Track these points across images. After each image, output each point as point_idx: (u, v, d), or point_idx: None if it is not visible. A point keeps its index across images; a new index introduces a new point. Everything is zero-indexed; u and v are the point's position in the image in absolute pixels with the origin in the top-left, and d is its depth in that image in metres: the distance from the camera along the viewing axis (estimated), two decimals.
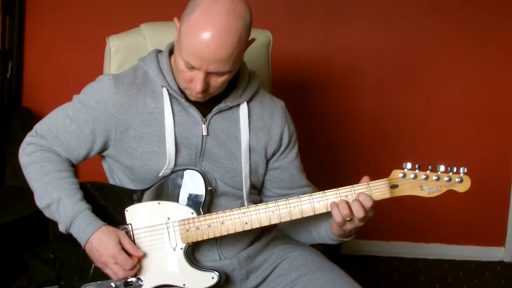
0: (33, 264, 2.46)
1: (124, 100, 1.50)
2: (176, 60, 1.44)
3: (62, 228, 1.46)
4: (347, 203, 1.39)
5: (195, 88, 1.42)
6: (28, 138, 1.55)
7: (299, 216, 1.44)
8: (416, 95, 2.84)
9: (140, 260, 1.46)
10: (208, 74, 1.40)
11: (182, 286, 1.47)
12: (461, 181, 1.40)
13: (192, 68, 1.39)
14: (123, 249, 1.44)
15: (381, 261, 2.95)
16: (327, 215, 1.46)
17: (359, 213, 1.38)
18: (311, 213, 1.44)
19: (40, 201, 1.48)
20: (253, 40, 1.47)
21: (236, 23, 1.36)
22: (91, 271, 1.49)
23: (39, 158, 1.51)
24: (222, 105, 1.53)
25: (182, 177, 1.49)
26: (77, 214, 1.44)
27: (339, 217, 1.39)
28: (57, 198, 1.45)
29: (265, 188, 1.64)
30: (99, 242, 1.42)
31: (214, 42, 1.34)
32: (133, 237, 1.49)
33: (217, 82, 1.43)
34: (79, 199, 1.46)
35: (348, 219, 1.40)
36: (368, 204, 1.38)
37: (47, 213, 1.49)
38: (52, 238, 1.54)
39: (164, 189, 1.50)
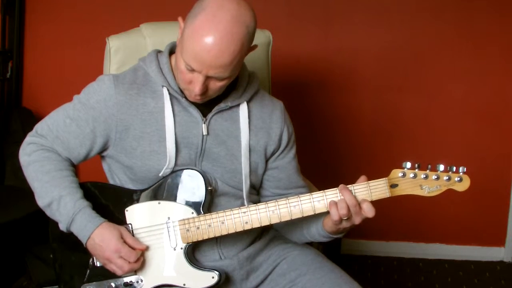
0: (33, 264, 2.46)
1: (124, 100, 1.50)
2: (177, 60, 1.44)
3: (62, 226, 1.46)
4: (346, 202, 1.39)
5: (194, 90, 1.42)
6: (29, 138, 1.55)
7: (300, 216, 1.44)
8: (416, 95, 2.84)
9: (143, 253, 1.46)
10: (207, 78, 1.40)
11: (182, 285, 1.47)
12: (461, 180, 1.40)
13: (192, 70, 1.40)
14: (125, 243, 1.44)
15: (381, 261, 2.95)
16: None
17: (357, 216, 1.40)
18: (311, 213, 1.44)
19: (41, 200, 1.48)
20: (255, 46, 1.47)
21: (240, 30, 1.35)
22: (91, 271, 1.49)
23: (40, 158, 1.50)
24: (222, 105, 1.53)
25: (182, 177, 1.49)
26: (77, 212, 1.44)
27: (336, 216, 1.40)
28: (57, 197, 1.45)
29: (263, 188, 1.64)
30: (101, 238, 1.42)
31: (216, 48, 1.34)
32: None
33: (216, 86, 1.43)
34: (79, 197, 1.46)
35: (346, 218, 1.40)
36: (370, 214, 1.39)
37: (48, 212, 1.49)
38: (52, 238, 1.54)
39: (164, 189, 1.50)
